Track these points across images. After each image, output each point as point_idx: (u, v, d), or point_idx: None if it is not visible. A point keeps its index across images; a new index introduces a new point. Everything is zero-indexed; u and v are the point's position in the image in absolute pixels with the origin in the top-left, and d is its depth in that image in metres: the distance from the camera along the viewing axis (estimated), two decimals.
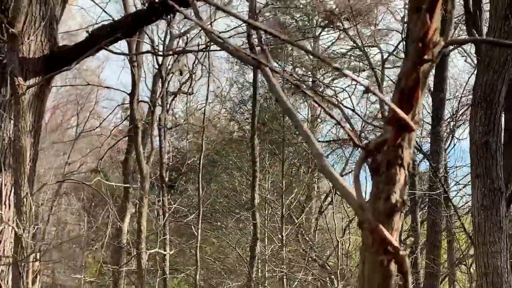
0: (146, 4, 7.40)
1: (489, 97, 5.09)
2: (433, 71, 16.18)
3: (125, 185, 15.35)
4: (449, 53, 14.95)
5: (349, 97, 21.15)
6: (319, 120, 28.06)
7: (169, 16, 7.67)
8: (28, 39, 6.78)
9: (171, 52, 10.68)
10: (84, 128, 26.89)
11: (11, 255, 5.66)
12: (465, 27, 18.74)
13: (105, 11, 12.50)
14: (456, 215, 15.61)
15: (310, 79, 24.90)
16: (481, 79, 5.28)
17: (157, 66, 17.67)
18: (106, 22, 9.04)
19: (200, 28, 15.37)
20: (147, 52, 8.09)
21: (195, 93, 24.24)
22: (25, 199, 5.76)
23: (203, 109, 18.68)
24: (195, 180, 23.50)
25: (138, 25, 7.62)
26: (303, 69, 27.54)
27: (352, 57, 27.75)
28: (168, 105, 17.81)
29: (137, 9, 7.70)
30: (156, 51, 8.36)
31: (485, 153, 5.18)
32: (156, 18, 7.72)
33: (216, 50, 10.99)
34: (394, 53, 21.51)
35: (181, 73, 18.26)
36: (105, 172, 24.04)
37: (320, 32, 28.19)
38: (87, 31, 7.86)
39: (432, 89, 15.50)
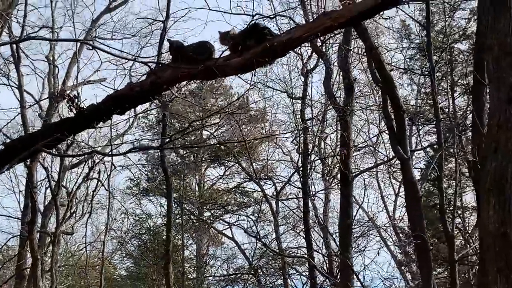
0: (74, 111, 6.77)
1: (500, 183, 4.84)
2: (339, 200, 16.21)
3: None
4: (353, 179, 15.09)
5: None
6: (206, 257, 27.41)
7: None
8: None
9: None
10: None
11: None
12: None
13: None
14: None
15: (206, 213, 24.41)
16: (489, 165, 5.04)
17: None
18: None
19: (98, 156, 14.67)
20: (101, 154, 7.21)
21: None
22: None
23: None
24: None
25: (63, 134, 6.82)
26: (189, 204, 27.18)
27: (238, 192, 27.86)
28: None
29: (62, 117, 7.01)
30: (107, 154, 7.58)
31: (503, 245, 4.84)
32: (85, 126, 7.03)
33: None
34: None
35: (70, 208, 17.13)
36: None
37: (207, 168, 28.28)
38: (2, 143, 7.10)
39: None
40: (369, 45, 10.04)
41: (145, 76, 6.38)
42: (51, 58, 16.81)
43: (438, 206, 16.11)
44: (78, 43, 14.97)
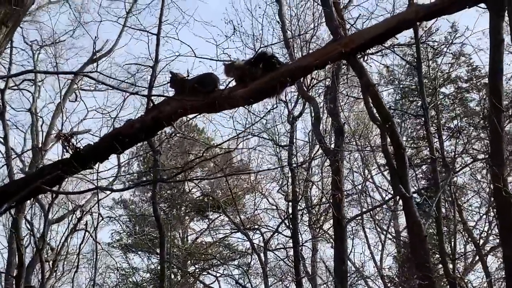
0: (70, 152, 6.43)
1: None
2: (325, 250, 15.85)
3: None
4: (347, 224, 14.78)
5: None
6: None
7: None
8: None
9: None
10: None
11: None
12: None
13: None
14: None
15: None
16: None
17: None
18: None
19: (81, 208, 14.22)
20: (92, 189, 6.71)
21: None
22: None
23: None
24: None
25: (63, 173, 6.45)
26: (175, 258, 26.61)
27: (223, 246, 27.34)
28: None
29: (58, 159, 6.66)
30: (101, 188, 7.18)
31: None
32: (81, 167, 6.66)
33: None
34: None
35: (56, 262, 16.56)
36: None
37: (191, 221, 27.79)
38: None
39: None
40: (366, 82, 9.90)
41: (146, 111, 6.11)
42: (34, 110, 16.46)
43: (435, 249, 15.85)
44: (63, 92, 14.75)
